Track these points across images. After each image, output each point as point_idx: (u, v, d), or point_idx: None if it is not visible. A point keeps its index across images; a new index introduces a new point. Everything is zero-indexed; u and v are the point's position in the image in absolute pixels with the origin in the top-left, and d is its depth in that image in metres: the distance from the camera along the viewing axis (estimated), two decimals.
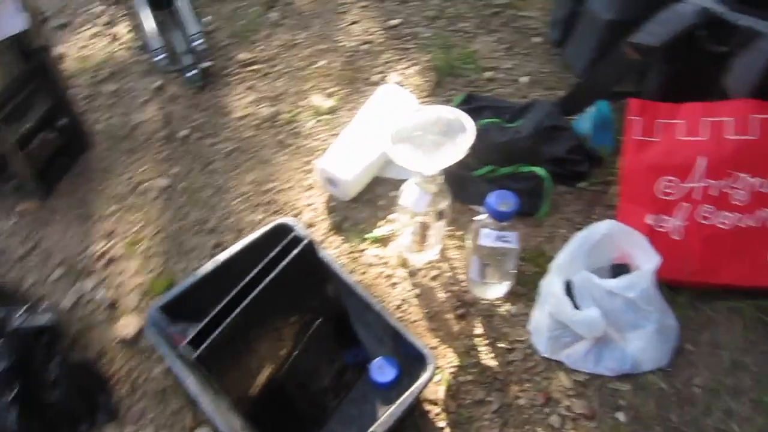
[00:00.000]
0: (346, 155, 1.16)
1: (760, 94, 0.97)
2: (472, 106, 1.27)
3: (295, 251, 0.75)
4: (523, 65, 1.41)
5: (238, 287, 0.72)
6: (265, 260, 0.74)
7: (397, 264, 1.10)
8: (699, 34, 1.00)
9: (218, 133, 1.36)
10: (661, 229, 0.96)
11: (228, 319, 0.69)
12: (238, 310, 0.70)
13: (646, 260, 0.88)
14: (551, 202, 1.14)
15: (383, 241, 1.13)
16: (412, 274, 1.08)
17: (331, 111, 1.36)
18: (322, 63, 1.45)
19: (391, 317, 0.91)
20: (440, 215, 1.00)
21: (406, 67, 1.43)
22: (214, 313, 0.70)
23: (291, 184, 1.24)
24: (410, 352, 0.89)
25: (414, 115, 0.95)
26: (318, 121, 1.35)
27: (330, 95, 1.39)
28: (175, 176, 1.29)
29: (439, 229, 1.03)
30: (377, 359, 0.92)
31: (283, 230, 1.03)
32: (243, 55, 1.49)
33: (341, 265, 1.02)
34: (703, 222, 0.94)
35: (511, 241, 0.91)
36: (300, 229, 1.02)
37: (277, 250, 0.75)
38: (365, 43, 1.48)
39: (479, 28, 1.49)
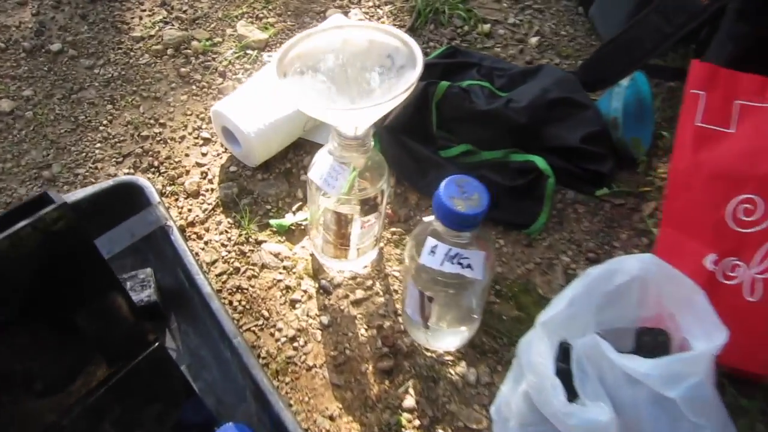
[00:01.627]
0: (255, 102, 0.77)
1: None
2: (456, 60, 0.89)
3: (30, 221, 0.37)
4: (534, 22, 1.04)
5: None
6: None
7: (304, 271, 0.71)
8: None
9: (102, 53, 0.97)
10: (728, 281, 0.59)
11: None
12: None
13: (702, 333, 0.51)
14: (552, 211, 0.76)
15: (292, 234, 0.75)
16: (325, 291, 0.70)
17: (261, 45, 0.97)
18: None
19: (255, 365, 0.54)
20: (371, 205, 0.62)
21: (377, 5, 1.05)
22: None
23: (183, 134, 0.86)
24: (277, 424, 0.52)
25: (332, 33, 0.56)
26: (240, 55, 0.96)
27: (265, 27, 1.01)
28: (25, 100, 0.90)
29: (369, 228, 0.65)
30: (225, 427, 0.54)
31: (128, 193, 0.65)
32: None
33: (200, 262, 0.65)
34: None
35: (473, 265, 0.53)
36: (151, 194, 0.64)
37: None
38: None
39: None
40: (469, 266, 0.54)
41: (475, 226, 0.52)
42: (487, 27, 1.01)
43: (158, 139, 0.85)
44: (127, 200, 0.63)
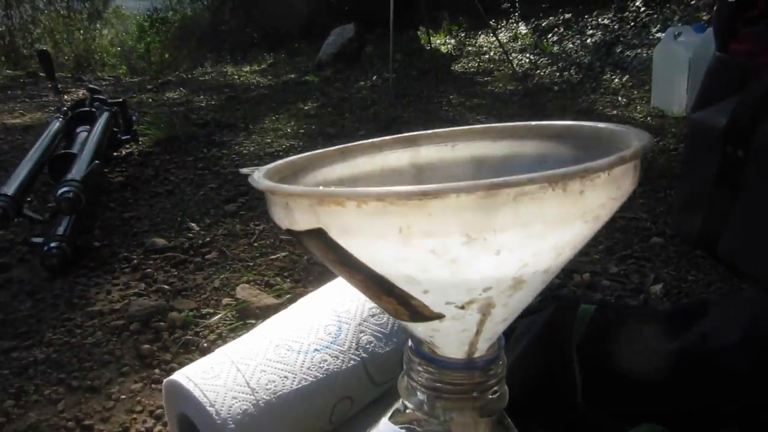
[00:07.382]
0: (242, 368, 0.43)
1: None
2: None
3: None
4: (644, 271, 0.75)
5: None
6: None
7: None
8: None
9: (35, 332, 0.67)
10: None
11: None
12: None
13: None
14: None
15: None
16: None
17: (268, 314, 0.67)
18: (280, 255, 0.82)
19: None
20: None
21: None
22: None
23: None
24: None
25: None
26: (237, 326, 0.65)
27: (277, 293, 0.72)
28: None
29: None
30: None
31: None
32: (159, 241, 0.88)
33: None
34: None
35: None
36: None
37: None
38: None
39: None
40: None
41: None
42: (587, 276, 0.72)
43: None
44: None
